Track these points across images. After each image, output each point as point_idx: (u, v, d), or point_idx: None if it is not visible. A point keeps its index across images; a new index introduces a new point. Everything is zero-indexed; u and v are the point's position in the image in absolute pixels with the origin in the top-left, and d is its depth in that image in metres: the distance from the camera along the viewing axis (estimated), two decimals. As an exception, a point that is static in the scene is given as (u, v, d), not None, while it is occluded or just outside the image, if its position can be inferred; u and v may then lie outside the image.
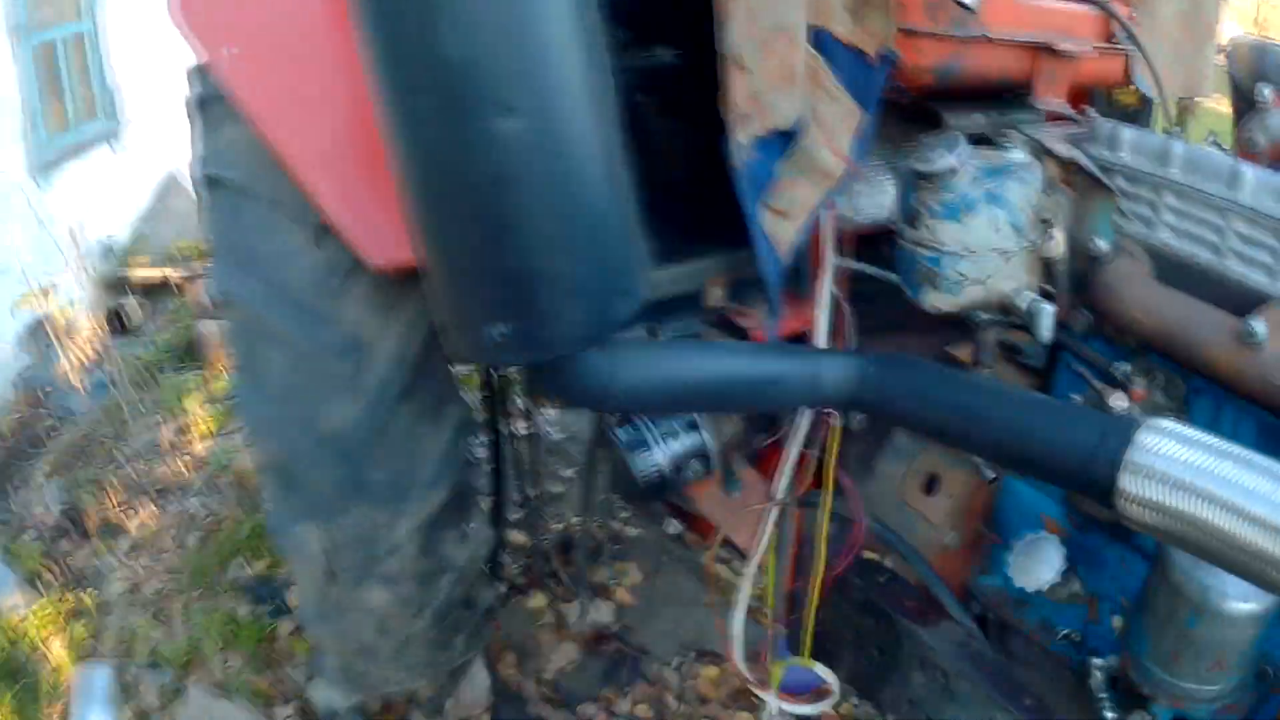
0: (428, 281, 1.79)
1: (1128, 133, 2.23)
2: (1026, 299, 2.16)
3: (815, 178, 2.17)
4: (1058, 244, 2.18)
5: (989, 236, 2.12)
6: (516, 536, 4.25)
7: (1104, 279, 2.19)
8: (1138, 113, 2.91)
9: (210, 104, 2.49)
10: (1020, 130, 2.29)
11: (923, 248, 2.13)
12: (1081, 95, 2.68)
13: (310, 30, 2.20)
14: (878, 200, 2.40)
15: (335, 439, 2.46)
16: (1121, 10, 2.52)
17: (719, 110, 2.10)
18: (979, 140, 2.21)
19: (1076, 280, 2.25)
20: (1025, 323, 2.18)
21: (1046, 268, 2.23)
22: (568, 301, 1.71)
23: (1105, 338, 2.29)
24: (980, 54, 2.32)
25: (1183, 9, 2.73)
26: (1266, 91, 2.65)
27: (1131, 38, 2.53)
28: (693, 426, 2.49)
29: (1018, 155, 2.15)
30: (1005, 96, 2.48)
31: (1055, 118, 2.46)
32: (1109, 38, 2.58)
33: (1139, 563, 2.21)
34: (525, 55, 1.54)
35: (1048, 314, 2.14)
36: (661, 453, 2.43)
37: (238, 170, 2.40)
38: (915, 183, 2.11)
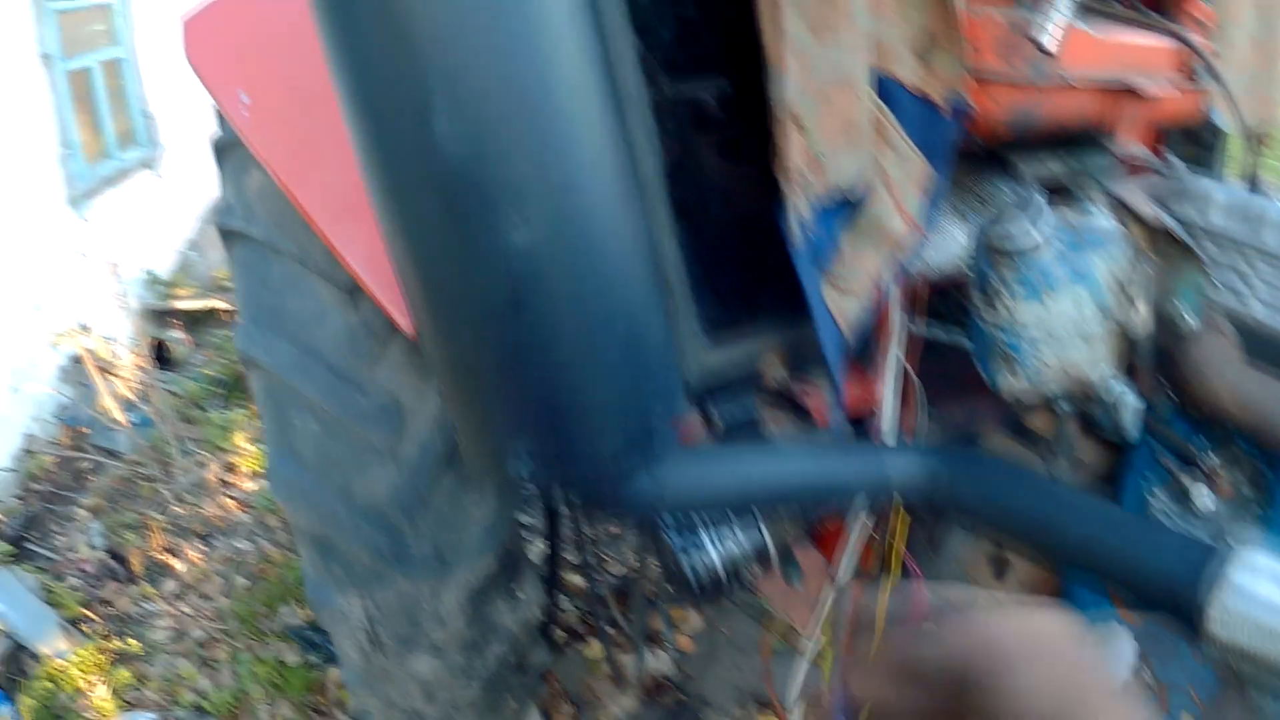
0: (440, 388, 1.62)
1: (1220, 192, 2.04)
2: (1111, 389, 1.97)
3: (882, 246, 1.95)
4: (1143, 319, 1.98)
5: (1072, 318, 1.92)
6: (572, 581, 4.09)
7: (1190, 358, 1.99)
8: (1207, 148, 2.74)
9: (229, 150, 2.36)
10: (1102, 186, 2.10)
11: (1000, 329, 1.94)
12: (1157, 135, 2.50)
13: (327, 75, 2.04)
14: (947, 251, 2.17)
15: (375, 508, 2.31)
16: (1199, 41, 2.31)
17: (772, 167, 1.89)
18: (1055, 189, 2.04)
19: (1160, 357, 2.04)
20: (1107, 413, 2.00)
21: (1129, 344, 2.02)
22: (601, 419, 1.56)
23: (1189, 419, 2.09)
24: (1058, 99, 2.11)
25: (1256, 34, 2.52)
26: None
27: (1213, 72, 2.30)
28: (750, 522, 2.30)
29: (1103, 222, 1.94)
30: (1080, 140, 2.28)
31: (1135, 165, 2.26)
32: (1187, 72, 2.36)
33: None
34: (539, 148, 1.36)
35: (1132, 409, 1.96)
36: (717, 555, 2.24)
37: (261, 224, 2.25)
38: (993, 257, 1.91)
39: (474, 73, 1.30)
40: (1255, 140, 2.55)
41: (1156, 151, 2.27)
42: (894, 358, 2.08)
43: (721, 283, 2.00)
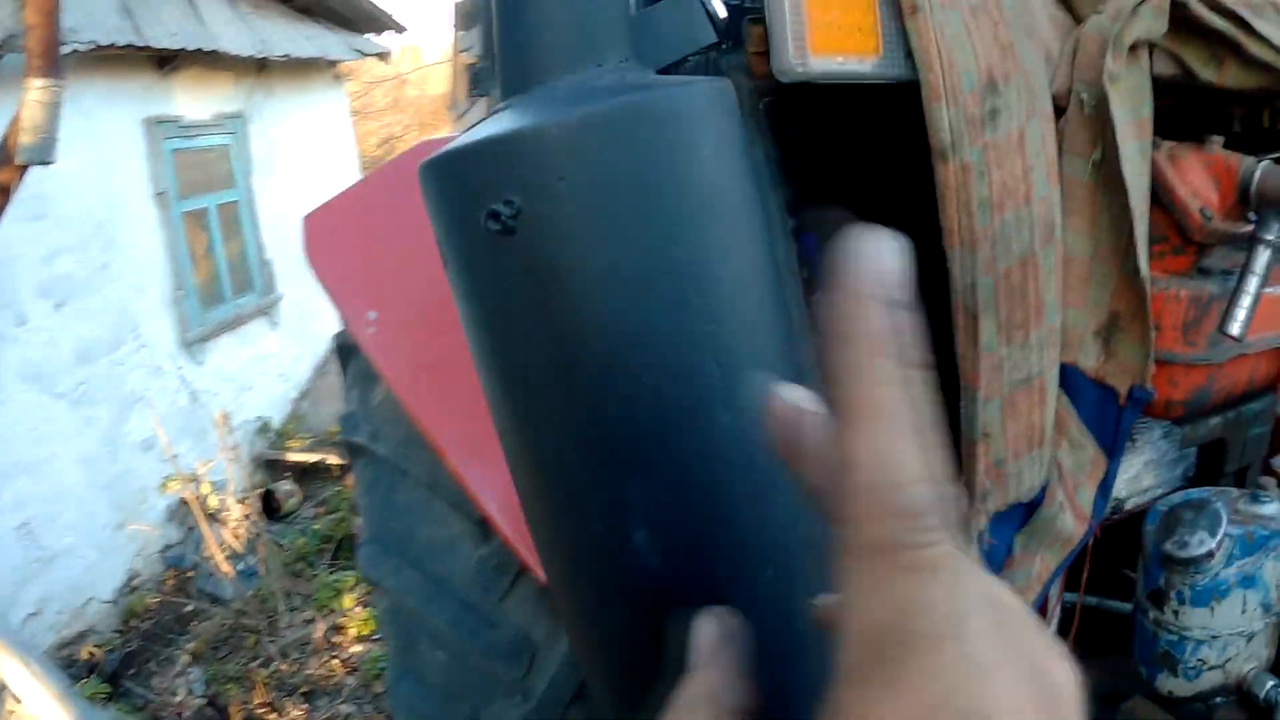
0: None
1: None
2: (1266, 686, 1.88)
3: (1054, 547, 1.83)
4: None
5: (1236, 620, 1.87)
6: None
7: None
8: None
9: (352, 354, 2.25)
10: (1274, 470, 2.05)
11: (1165, 630, 1.89)
12: None
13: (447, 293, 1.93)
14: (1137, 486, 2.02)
15: None
16: None
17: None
18: (1213, 445, 1.97)
19: None
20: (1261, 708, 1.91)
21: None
22: None
23: None
24: (1232, 370, 2.00)
25: None
26: None
27: None
28: None
29: (1272, 510, 1.85)
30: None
31: None
32: None
33: None
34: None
35: None
36: None
37: (387, 443, 2.13)
38: (1167, 563, 1.84)
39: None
40: None
41: None
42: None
43: None
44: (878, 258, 0.48)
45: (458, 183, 1.05)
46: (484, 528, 2.03)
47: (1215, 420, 2.03)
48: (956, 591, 0.42)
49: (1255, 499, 1.88)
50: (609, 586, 1.12)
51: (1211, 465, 2.03)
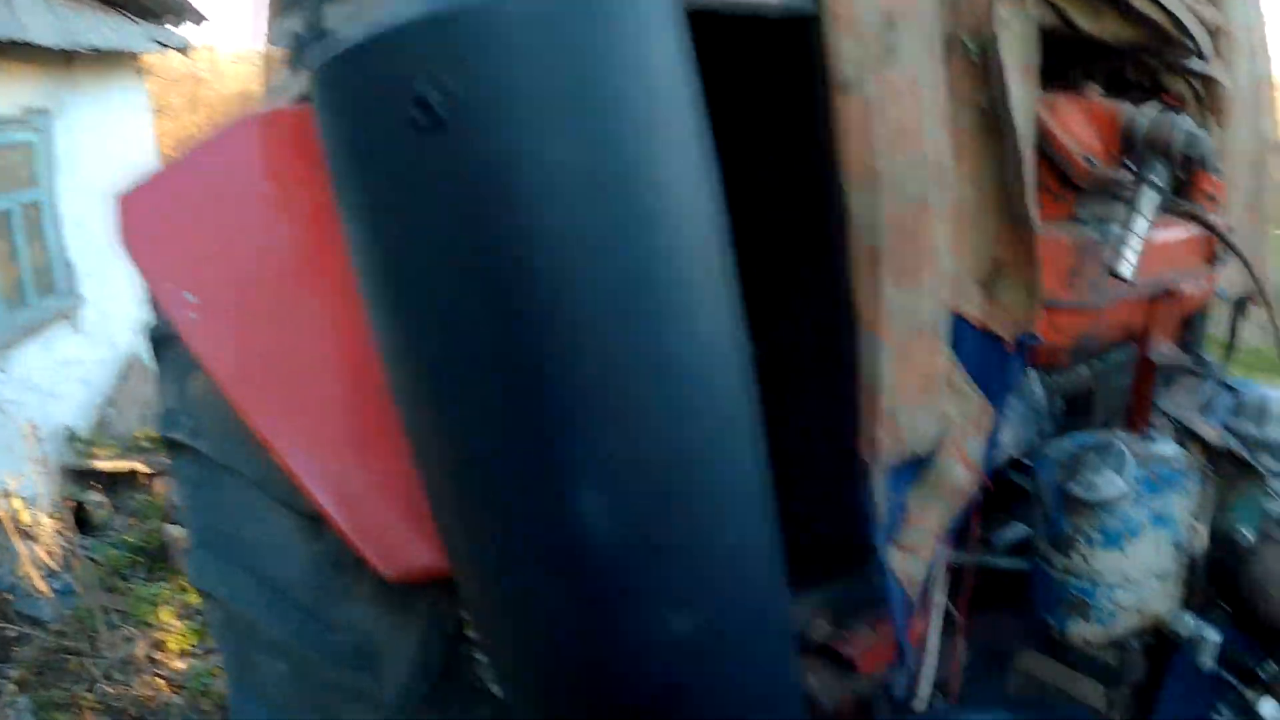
0: None
1: (1276, 403, 1.99)
2: (1186, 625, 1.90)
3: (946, 500, 1.83)
4: (1200, 539, 1.93)
5: (1151, 561, 1.87)
6: None
7: (1252, 574, 1.94)
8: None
9: (169, 344, 2.09)
10: (1160, 409, 2.08)
11: (1074, 576, 1.87)
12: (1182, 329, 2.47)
13: (284, 282, 1.81)
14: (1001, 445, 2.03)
15: None
16: (1218, 221, 2.24)
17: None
18: (1080, 397, 1.99)
19: (1216, 574, 1.98)
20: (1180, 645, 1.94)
21: (1191, 570, 1.97)
22: None
23: (1243, 633, 2.02)
24: (1111, 316, 2.05)
25: (1248, 200, 2.50)
26: None
27: (1234, 249, 2.23)
28: None
29: (1172, 453, 1.88)
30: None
31: (1169, 367, 2.22)
32: (1209, 258, 2.32)
33: None
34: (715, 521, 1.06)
35: (1214, 644, 1.88)
36: None
37: (209, 439, 1.98)
38: (1071, 507, 1.83)
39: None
40: (1244, 302, 2.58)
41: (1184, 348, 2.18)
42: (938, 598, 1.97)
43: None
44: None
45: (374, 72, 0.88)
46: (317, 523, 1.89)
47: (1084, 371, 2.06)
48: None
49: (1149, 440, 1.89)
50: (546, 565, 1.02)
51: (1078, 416, 2.07)
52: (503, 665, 1.33)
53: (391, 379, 1.29)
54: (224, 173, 2.00)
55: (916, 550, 1.81)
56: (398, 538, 1.72)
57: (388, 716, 2.01)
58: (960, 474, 1.82)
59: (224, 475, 1.98)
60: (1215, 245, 2.27)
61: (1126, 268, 1.80)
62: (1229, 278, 2.38)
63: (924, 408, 1.72)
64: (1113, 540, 1.83)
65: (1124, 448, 1.81)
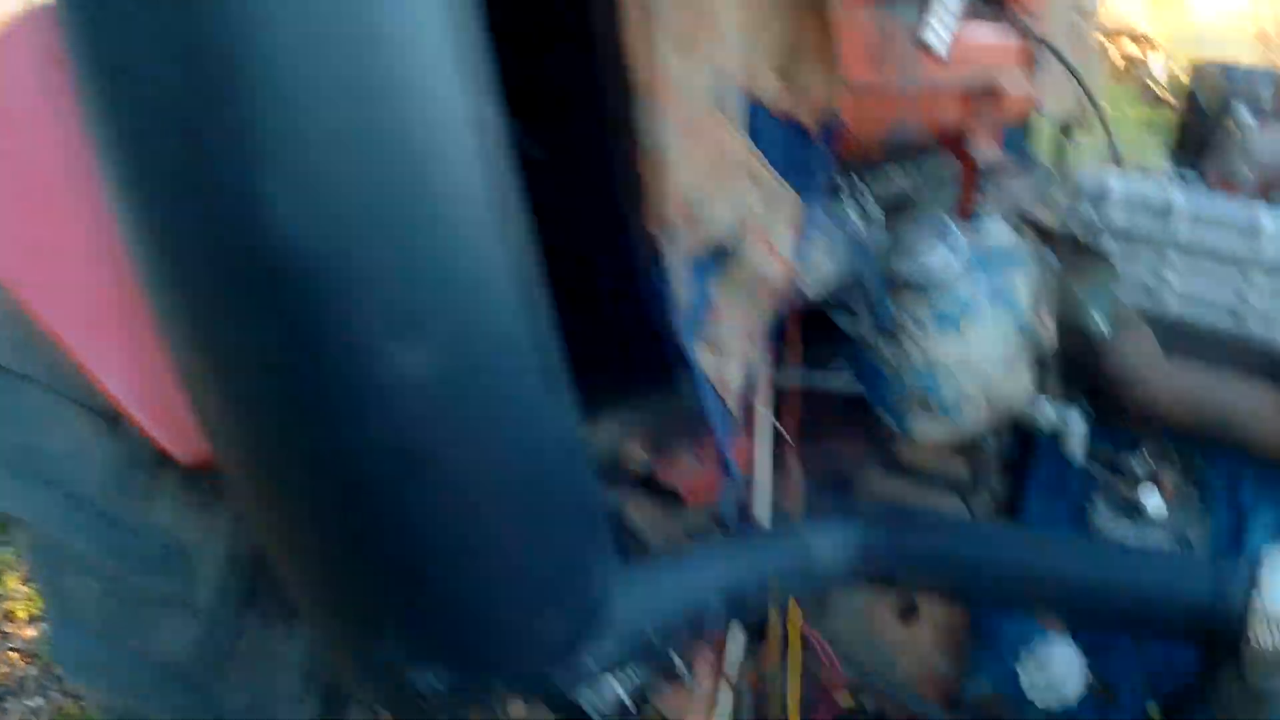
0: (290, 588, 1.26)
1: (1116, 183, 1.93)
2: (1048, 416, 1.84)
3: (756, 296, 1.72)
4: (1049, 331, 1.85)
5: (994, 345, 1.76)
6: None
7: (1110, 365, 1.89)
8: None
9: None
10: (990, 195, 1.99)
11: (910, 370, 1.77)
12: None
13: (54, 164, 1.67)
14: (820, 273, 1.94)
15: (176, 667, 1.99)
16: (1042, 30, 2.25)
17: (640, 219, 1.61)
18: (900, 205, 1.91)
19: (1072, 368, 1.93)
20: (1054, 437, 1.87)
21: (1040, 363, 1.90)
22: (545, 596, 1.25)
23: (1105, 427, 1.98)
24: (926, 108, 1.95)
25: (1071, 22, 2.47)
26: (1245, 115, 2.27)
27: (1060, 58, 2.22)
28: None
29: (1006, 236, 1.80)
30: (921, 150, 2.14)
31: (992, 169, 2.13)
32: (1030, 66, 2.26)
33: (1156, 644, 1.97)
34: (433, 231, 0.95)
35: (1080, 434, 1.84)
36: (622, 687, 1.95)
37: (3, 350, 1.85)
38: (899, 294, 1.73)
39: (327, 122, 0.87)
40: (1070, 126, 2.58)
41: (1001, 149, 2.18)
42: (765, 416, 1.89)
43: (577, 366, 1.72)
44: None
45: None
46: (115, 423, 1.80)
47: (903, 180, 2.01)
48: None
49: (975, 219, 1.83)
50: (347, 427, 0.91)
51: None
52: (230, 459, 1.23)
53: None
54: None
55: (729, 349, 1.71)
56: (191, 420, 1.60)
57: (206, 622, 1.96)
58: (768, 266, 1.70)
59: (16, 384, 1.87)
60: (1034, 53, 2.22)
61: (934, 37, 1.73)
62: (1053, 100, 2.34)
63: (719, 190, 1.60)
64: (948, 321, 1.73)
65: (953, 225, 1.71)
